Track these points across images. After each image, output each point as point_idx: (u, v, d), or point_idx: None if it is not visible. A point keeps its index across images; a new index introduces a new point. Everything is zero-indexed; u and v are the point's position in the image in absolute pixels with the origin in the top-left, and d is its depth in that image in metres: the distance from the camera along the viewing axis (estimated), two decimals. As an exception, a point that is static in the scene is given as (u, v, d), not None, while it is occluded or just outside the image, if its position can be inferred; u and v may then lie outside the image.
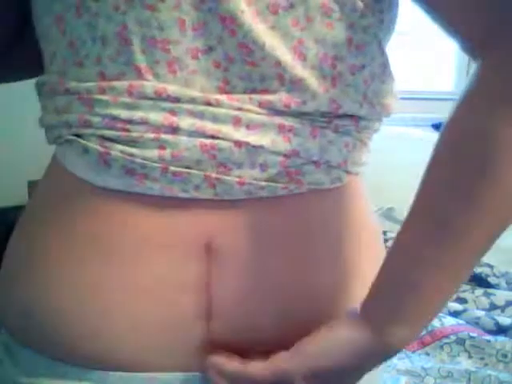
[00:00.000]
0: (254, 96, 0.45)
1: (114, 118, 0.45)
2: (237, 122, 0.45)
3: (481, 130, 0.41)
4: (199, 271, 0.47)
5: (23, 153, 1.63)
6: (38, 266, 0.49)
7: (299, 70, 0.45)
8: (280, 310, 0.48)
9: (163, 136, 0.45)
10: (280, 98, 0.45)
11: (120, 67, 0.45)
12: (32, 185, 1.64)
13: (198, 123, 0.45)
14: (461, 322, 1.29)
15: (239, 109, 0.45)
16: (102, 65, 0.45)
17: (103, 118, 0.45)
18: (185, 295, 0.47)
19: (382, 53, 0.49)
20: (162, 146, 0.45)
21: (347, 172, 0.50)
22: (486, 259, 1.56)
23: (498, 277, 1.50)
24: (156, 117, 0.45)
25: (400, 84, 0.54)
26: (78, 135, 0.47)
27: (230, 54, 0.45)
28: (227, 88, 0.45)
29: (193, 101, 0.45)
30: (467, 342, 1.19)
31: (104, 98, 0.45)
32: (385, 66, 0.50)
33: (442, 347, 1.20)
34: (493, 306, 1.38)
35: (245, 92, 0.46)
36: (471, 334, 1.21)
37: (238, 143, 0.45)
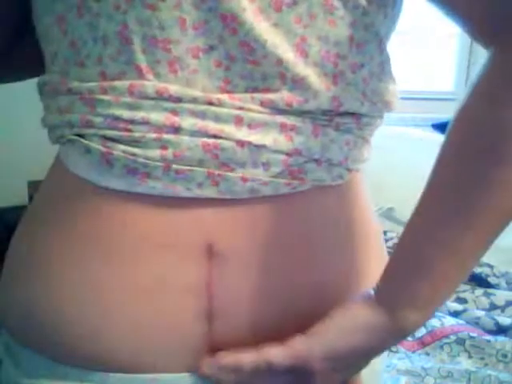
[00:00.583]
0: (255, 95, 0.45)
1: (116, 118, 0.45)
2: (239, 121, 0.45)
3: (492, 116, 0.41)
4: (200, 271, 0.47)
5: (23, 153, 1.63)
6: (38, 266, 0.49)
7: (301, 68, 0.45)
8: (282, 310, 0.48)
9: (165, 136, 0.45)
10: (282, 96, 0.45)
11: (121, 67, 0.45)
12: (32, 185, 1.64)
13: (200, 123, 0.45)
14: (461, 322, 1.29)
15: (241, 108, 0.45)
16: (103, 64, 0.45)
17: (105, 118, 0.45)
18: (186, 295, 0.47)
19: (381, 52, 0.49)
20: (164, 145, 0.45)
21: (348, 169, 0.51)
22: (485, 259, 1.56)
23: (498, 277, 1.50)
24: (158, 117, 0.45)
25: (400, 84, 0.54)
26: (80, 135, 0.47)
27: (231, 52, 0.45)
28: (229, 87, 0.45)
29: (194, 100, 0.45)
30: (467, 342, 1.19)
31: (105, 98, 0.45)
32: (383, 65, 0.50)
33: (442, 347, 1.20)
34: (493, 306, 1.38)
35: (246, 91, 0.46)
36: (471, 334, 1.21)
37: (241, 143, 0.45)
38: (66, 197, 0.49)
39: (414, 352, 1.20)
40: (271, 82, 0.45)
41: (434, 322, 1.27)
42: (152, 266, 0.46)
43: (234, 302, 0.47)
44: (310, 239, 0.50)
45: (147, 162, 0.45)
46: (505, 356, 1.15)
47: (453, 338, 1.21)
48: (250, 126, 0.45)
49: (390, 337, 0.46)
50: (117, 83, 0.45)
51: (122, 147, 0.45)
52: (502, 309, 1.37)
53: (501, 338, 1.20)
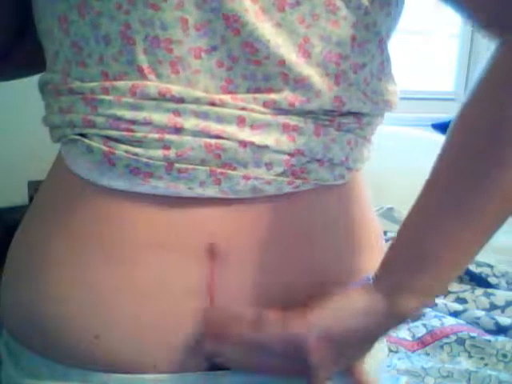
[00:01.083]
0: (257, 95, 0.45)
1: (118, 119, 0.45)
2: (241, 121, 0.45)
3: (496, 112, 0.41)
4: (201, 271, 0.47)
5: (23, 153, 1.63)
6: (39, 267, 0.49)
7: (303, 68, 0.45)
8: (283, 310, 0.48)
9: (167, 136, 0.45)
10: (284, 96, 0.45)
11: (122, 67, 0.45)
12: (32, 185, 1.64)
13: (203, 123, 0.45)
14: (461, 321, 1.29)
15: (243, 109, 0.45)
16: (104, 64, 0.45)
17: (107, 118, 0.45)
18: (187, 296, 0.47)
19: (382, 51, 0.49)
20: (166, 146, 0.45)
21: (350, 169, 0.51)
22: (486, 259, 1.56)
23: (497, 277, 1.50)
24: (160, 117, 0.45)
25: (400, 84, 0.54)
26: (81, 135, 0.47)
27: (233, 53, 0.45)
28: (231, 87, 0.45)
29: (197, 101, 0.45)
30: (467, 342, 1.19)
31: (107, 98, 0.45)
32: (384, 64, 0.50)
33: (442, 347, 1.20)
34: (493, 306, 1.38)
35: (248, 91, 0.46)
36: (471, 334, 1.20)
37: (243, 143, 0.45)
38: (67, 197, 0.49)
39: (413, 352, 1.20)
40: (273, 83, 0.45)
41: (434, 322, 1.27)
42: (153, 267, 0.46)
43: (235, 302, 0.47)
44: (311, 239, 0.50)
45: (149, 161, 0.45)
46: (505, 356, 1.15)
47: (453, 337, 1.21)
48: (252, 126, 0.45)
49: (388, 322, 0.46)
50: (118, 83, 0.45)
51: (124, 147, 0.45)
52: (502, 309, 1.37)
53: (501, 338, 1.19)
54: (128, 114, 0.45)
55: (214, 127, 0.45)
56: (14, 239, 0.54)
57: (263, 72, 0.45)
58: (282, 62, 0.45)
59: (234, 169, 0.46)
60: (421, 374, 1.08)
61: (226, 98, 0.45)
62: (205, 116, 0.45)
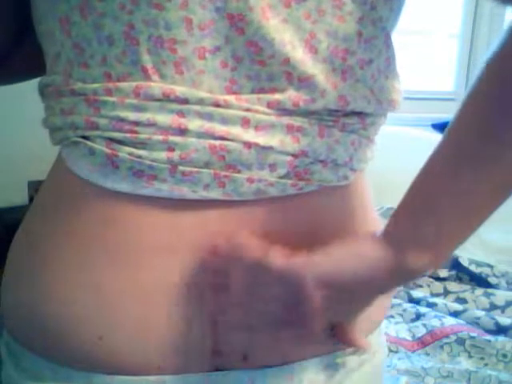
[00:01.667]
0: (262, 96, 0.45)
1: (122, 120, 0.45)
2: (245, 123, 0.45)
3: None
4: (206, 275, 0.46)
5: (23, 153, 1.63)
6: (41, 267, 0.48)
7: (308, 66, 0.45)
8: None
9: (171, 138, 0.44)
10: (288, 96, 0.45)
11: (126, 68, 0.45)
12: (32, 185, 1.64)
13: (207, 125, 0.44)
14: (461, 321, 1.29)
15: (248, 110, 0.45)
16: (107, 65, 0.45)
17: (110, 119, 0.45)
18: (190, 298, 0.47)
19: (388, 47, 0.49)
20: (170, 147, 0.44)
21: (353, 169, 0.51)
22: (485, 259, 1.56)
23: (497, 277, 1.51)
24: (164, 118, 0.44)
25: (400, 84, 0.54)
26: (84, 137, 0.46)
27: (237, 53, 0.44)
28: (235, 88, 0.45)
29: (201, 102, 0.44)
30: (467, 342, 1.19)
31: (110, 99, 0.45)
32: (390, 60, 0.50)
33: (442, 347, 1.20)
34: (493, 306, 1.38)
35: (253, 92, 0.45)
36: (471, 334, 1.21)
37: (248, 144, 0.45)
38: (69, 198, 0.49)
39: (413, 352, 1.20)
40: (278, 83, 0.45)
41: (434, 322, 1.27)
42: (157, 269, 0.46)
43: (240, 304, 0.47)
44: (314, 240, 0.49)
45: (153, 164, 0.44)
46: (505, 356, 1.15)
47: (453, 337, 1.21)
48: (256, 127, 0.45)
49: (394, 278, 0.45)
50: (122, 84, 0.44)
51: (128, 149, 0.45)
52: (502, 309, 1.37)
53: (501, 338, 1.20)
54: (131, 116, 0.44)
55: (219, 128, 0.44)
56: (14, 239, 0.53)
57: (267, 72, 0.45)
58: (287, 61, 0.44)
59: (238, 171, 0.45)
60: (421, 374, 1.08)
61: (231, 98, 0.45)
62: (209, 117, 0.44)
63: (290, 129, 0.46)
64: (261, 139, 0.45)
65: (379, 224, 0.57)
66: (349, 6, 0.45)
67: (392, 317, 1.35)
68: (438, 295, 1.47)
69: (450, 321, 1.28)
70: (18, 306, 0.50)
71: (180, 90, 0.44)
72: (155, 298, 0.46)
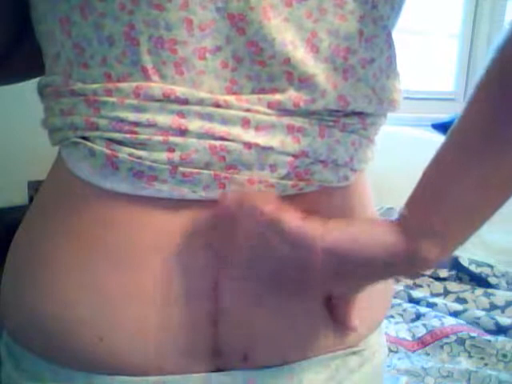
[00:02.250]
0: (262, 96, 0.45)
1: (122, 121, 0.44)
2: (246, 123, 0.45)
3: None
4: (206, 274, 0.47)
5: (23, 153, 1.63)
6: (40, 269, 0.48)
7: (309, 65, 0.45)
8: (288, 312, 0.48)
9: (172, 138, 0.44)
10: (289, 96, 0.45)
11: (126, 68, 0.45)
12: (32, 185, 1.64)
13: (207, 125, 0.44)
14: (461, 321, 1.29)
15: (248, 110, 0.45)
16: (107, 66, 0.45)
17: (110, 120, 0.45)
18: (191, 298, 0.46)
19: (390, 46, 0.49)
20: (170, 148, 0.44)
21: (354, 170, 0.51)
22: (485, 259, 1.56)
23: (498, 277, 1.51)
24: (164, 119, 0.44)
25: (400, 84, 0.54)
26: (84, 137, 0.46)
27: (238, 53, 0.44)
28: (235, 88, 0.45)
29: (201, 102, 0.44)
30: (467, 342, 1.19)
31: (110, 99, 0.45)
32: (391, 60, 0.50)
33: (442, 347, 1.20)
34: (493, 306, 1.38)
35: (253, 92, 0.45)
36: (471, 334, 1.21)
37: (248, 145, 0.45)
38: (69, 199, 0.49)
39: (414, 352, 1.20)
40: (278, 83, 0.45)
41: (434, 322, 1.27)
42: (158, 270, 0.46)
43: (239, 304, 0.47)
44: None
45: (153, 164, 0.44)
46: (505, 356, 1.15)
47: (453, 337, 1.21)
48: (257, 127, 0.45)
49: (403, 265, 0.44)
50: (122, 85, 0.44)
51: (128, 150, 0.45)
52: (502, 309, 1.37)
53: (501, 338, 1.20)
54: (131, 116, 0.44)
55: (219, 129, 0.44)
56: (14, 239, 0.53)
57: (268, 72, 0.45)
58: (287, 61, 0.44)
59: (239, 172, 0.45)
60: (421, 374, 1.08)
61: (231, 98, 0.45)
62: (209, 118, 0.44)
63: (290, 129, 0.46)
64: (261, 139, 0.45)
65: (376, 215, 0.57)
66: (350, 4, 0.45)
67: (392, 317, 1.35)
68: (437, 295, 1.47)
69: (450, 321, 1.28)
70: (18, 306, 0.50)
71: (180, 90, 0.44)
72: (155, 299, 0.46)
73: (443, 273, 1.53)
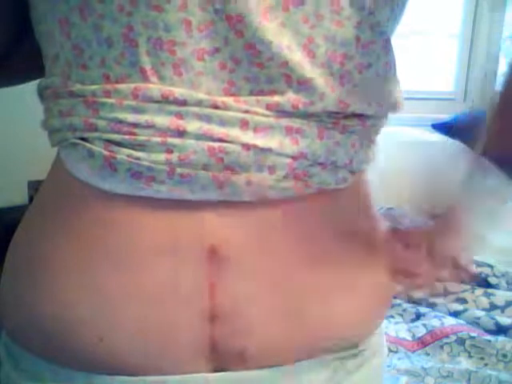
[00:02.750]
0: (260, 98, 0.45)
1: (120, 122, 0.44)
2: (244, 124, 0.45)
3: None
4: (204, 274, 0.46)
5: (23, 153, 1.63)
6: (40, 269, 0.48)
7: (307, 69, 0.45)
8: (287, 312, 0.48)
9: (170, 140, 0.44)
10: (287, 99, 0.45)
11: (125, 69, 0.45)
12: (32, 185, 1.64)
13: (205, 126, 0.44)
14: (461, 321, 1.29)
15: (246, 111, 0.45)
16: (106, 67, 0.45)
17: (109, 121, 0.45)
18: (190, 298, 0.47)
19: (387, 52, 0.49)
20: (168, 149, 0.44)
21: (353, 172, 0.50)
22: (485, 259, 1.56)
23: (498, 277, 1.51)
24: (162, 120, 0.44)
25: (400, 84, 0.54)
26: (82, 138, 0.46)
27: (236, 55, 0.44)
28: (233, 90, 0.45)
29: (199, 103, 0.44)
30: (467, 342, 1.19)
31: (109, 101, 0.45)
32: (390, 65, 0.50)
33: (442, 347, 1.20)
34: (493, 306, 1.38)
35: (251, 94, 0.45)
36: (471, 334, 1.21)
37: (246, 146, 0.45)
38: (69, 199, 0.49)
39: (414, 352, 1.20)
40: (276, 85, 0.45)
41: (434, 322, 1.27)
42: (157, 270, 0.46)
43: (237, 304, 0.47)
44: (313, 242, 0.50)
45: (152, 165, 0.44)
46: (505, 356, 1.15)
47: (453, 337, 1.21)
48: (255, 129, 0.45)
49: None
50: (121, 86, 0.44)
51: (126, 151, 0.45)
52: (502, 309, 1.37)
53: (501, 338, 1.20)
54: (130, 117, 0.44)
55: (217, 130, 0.44)
56: (13, 238, 0.53)
57: (266, 74, 0.45)
58: (285, 64, 0.44)
59: (237, 173, 0.45)
60: (421, 374, 1.08)
61: (229, 100, 0.45)
62: (208, 119, 0.44)
63: (289, 131, 0.46)
64: (260, 141, 0.45)
65: (381, 223, 0.57)
66: (347, 10, 0.45)
67: (392, 317, 1.35)
68: (438, 295, 1.47)
69: (449, 321, 1.28)
70: (17, 306, 0.50)
71: (179, 91, 0.44)
72: (155, 299, 0.46)
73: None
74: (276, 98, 0.45)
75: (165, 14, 0.43)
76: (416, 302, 1.41)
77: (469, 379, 1.07)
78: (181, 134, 0.44)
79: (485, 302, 1.40)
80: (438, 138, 2.04)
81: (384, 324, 0.61)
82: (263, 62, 0.44)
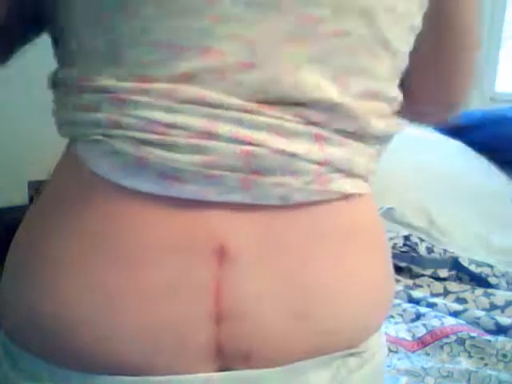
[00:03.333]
0: (291, 108, 0.47)
1: (152, 121, 0.45)
2: (273, 129, 0.46)
3: None
4: (211, 274, 0.47)
5: (23, 153, 1.63)
6: (40, 268, 0.48)
7: (339, 97, 0.48)
8: (294, 313, 0.48)
9: (200, 141, 0.45)
10: (318, 115, 0.47)
11: (163, 71, 0.45)
12: (32, 185, 1.64)
13: (235, 130, 0.45)
14: (461, 321, 1.29)
15: (276, 117, 0.46)
16: (144, 67, 0.45)
17: (138, 119, 0.45)
18: (196, 298, 0.47)
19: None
20: (198, 151, 0.45)
21: (367, 181, 0.53)
22: (485, 259, 1.56)
23: (498, 277, 1.50)
24: (194, 122, 0.45)
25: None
26: (107, 135, 0.46)
27: None
28: (265, 98, 0.46)
29: (231, 107, 0.45)
30: (467, 342, 1.19)
31: (142, 99, 0.45)
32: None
33: (441, 347, 1.20)
34: (493, 306, 1.38)
35: (283, 104, 0.47)
36: (471, 334, 1.21)
37: (275, 151, 0.46)
38: (76, 197, 0.49)
39: (414, 352, 1.20)
40: (308, 104, 0.47)
41: (434, 322, 1.27)
42: (163, 269, 0.46)
43: (244, 305, 0.47)
44: (321, 243, 0.50)
45: (180, 166, 0.45)
46: (505, 356, 1.15)
47: (453, 337, 1.21)
48: (284, 134, 0.46)
49: None
50: (156, 86, 0.45)
51: (154, 150, 0.45)
52: (502, 309, 1.37)
53: (501, 338, 1.20)
54: (163, 117, 0.45)
55: (247, 134, 0.45)
56: (14, 238, 0.53)
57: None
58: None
59: (264, 176, 0.46)
60: (421, 374, 1.08)
61: (260, 106, 0.46)
62: (239, 123, 0.45)
63: (317, 138, 0.47)
64: (288, 146, 0.46)
65: (383, 225, 0.58)
66: (382, 52, 0.50)
67: (392, 317, 1.35)
68: (437, 295, 1.47)
69: (449, 321, 1.28)
70: (17, 306, 0.50)
71: (212, 94, 0.45)
72: (160, 298, 0.46)
73: (443, 273, 1.53)
74: (306, 112, 0.47)
75: (215, 26, 0.44)
76: (416, 302, 1.41)
77: (469, 379, 1.07)
78: (212, 136, 0.45)
79: (485, 301, 1.40)
80: (437, 137, 2.04)
81: (384, 324, 0.61)
82: None
